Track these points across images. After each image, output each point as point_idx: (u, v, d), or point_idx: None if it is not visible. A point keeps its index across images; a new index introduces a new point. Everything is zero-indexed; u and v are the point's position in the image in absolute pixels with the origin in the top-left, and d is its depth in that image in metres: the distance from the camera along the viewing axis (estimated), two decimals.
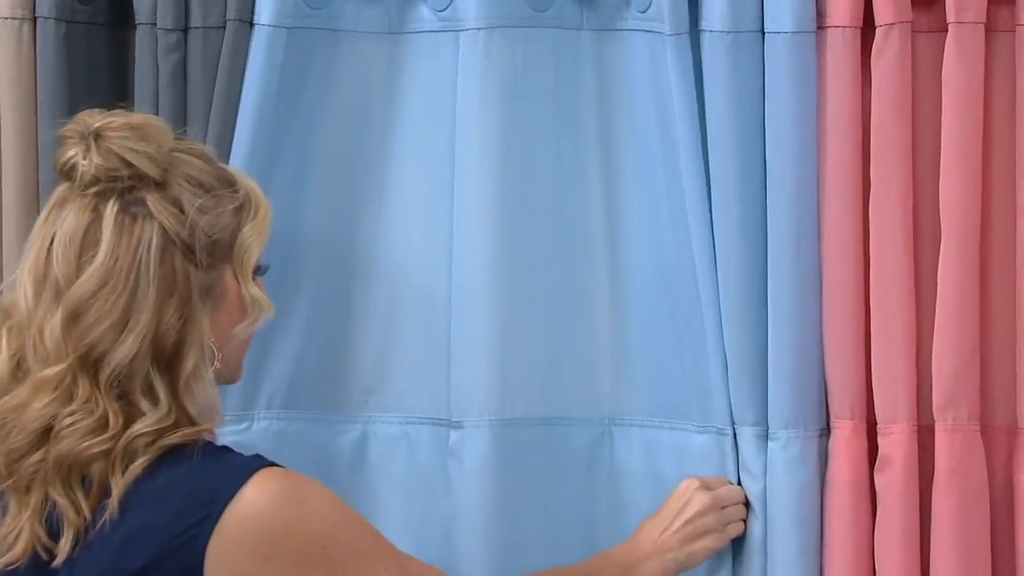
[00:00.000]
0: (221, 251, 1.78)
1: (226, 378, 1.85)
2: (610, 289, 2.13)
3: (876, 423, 2.05)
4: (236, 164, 2.03)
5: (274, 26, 2.07)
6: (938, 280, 2.02)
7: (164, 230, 1.74)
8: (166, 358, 1.73)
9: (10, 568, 1.73)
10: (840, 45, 2.03)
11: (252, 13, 2.08)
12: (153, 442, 1.71)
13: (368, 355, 2.17)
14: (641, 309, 2.10)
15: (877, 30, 2.02)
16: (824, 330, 2.06)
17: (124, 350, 1.71)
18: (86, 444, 1.71)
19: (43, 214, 1.78)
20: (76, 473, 1.71)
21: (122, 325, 1.72)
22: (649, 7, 2.06)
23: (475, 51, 2.07)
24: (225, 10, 2.08)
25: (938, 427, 2.03)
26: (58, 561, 1.71)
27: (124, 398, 1.73)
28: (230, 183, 1.81)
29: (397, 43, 2.14)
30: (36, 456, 1.72)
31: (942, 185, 2.02)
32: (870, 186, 2.04)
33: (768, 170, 2.05)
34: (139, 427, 1.71)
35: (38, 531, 1.72)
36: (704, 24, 2.04)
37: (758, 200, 2.05)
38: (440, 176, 2.13)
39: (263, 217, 1.82)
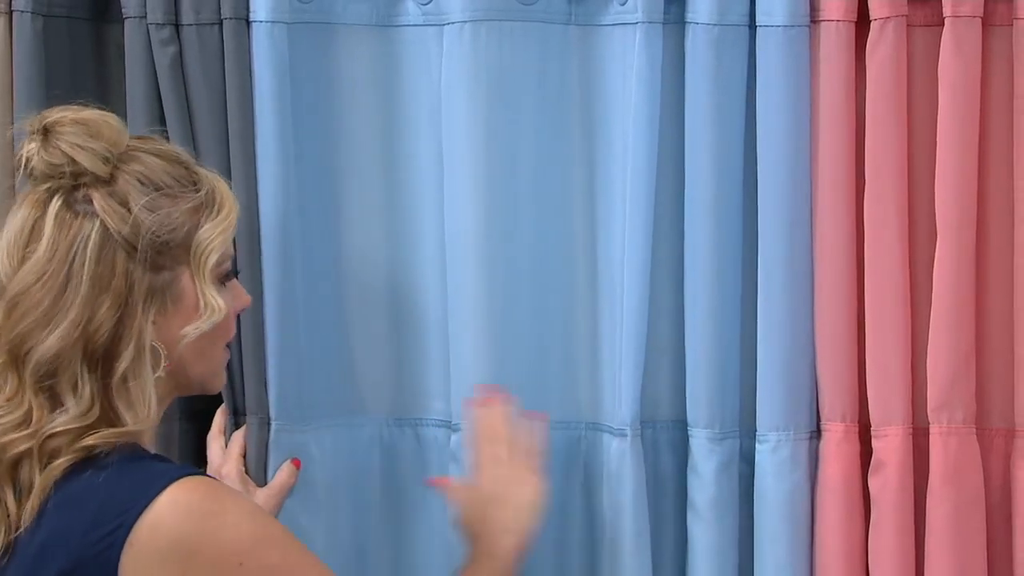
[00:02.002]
0: (176, 252, 1.76)
1: (197, 385, 1.83)
2: (590, 291, 2.12)
3: (867, 425, 2.04)
4: (266, 167, 2.06)
5: (272, 22, 2.07)
6: (933, 279, 2.01)
7: (105, 228, 1.72)
8: (98, 356, 1.72)
9: None
10: (834, 39, 2.02)
11: (246, 10, 2.08)
12: (74, 442, 1.70)
13: (367, 357, 2.16)
14: (621, 311, 2.08)
15: (872, 24, 2.01)
16: (816, 331, 2.05)
17: (49, 344, 1.70)
18: (9, 439, 1.70)
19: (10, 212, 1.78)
20: (5, 472, 1.70)
21: (48, 320, 1.71)
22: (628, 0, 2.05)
23: (460, 45, 2.06)
24: (218, 6, 2.07)
25: (933, 430, 2.01)
26: None
27: (50, 393, 1.72)
28: (191, 183, 1.79)
29: (384, 37, 2.13)
30: None
31: (938, 183, 2.00)
32: (864, 184, 2.02)
33: (760, 167, 2.04)
34: (57, 423, 1.70)
35: None
36: (689, 16, 2.03)
37: (734, 198, 2.05)
38: (428, 172, 2.13)
39: (224, 218, 1.79)
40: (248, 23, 2.07)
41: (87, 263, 1.71)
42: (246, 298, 1.90)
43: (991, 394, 2.04)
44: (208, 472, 2.08)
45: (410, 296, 2.15)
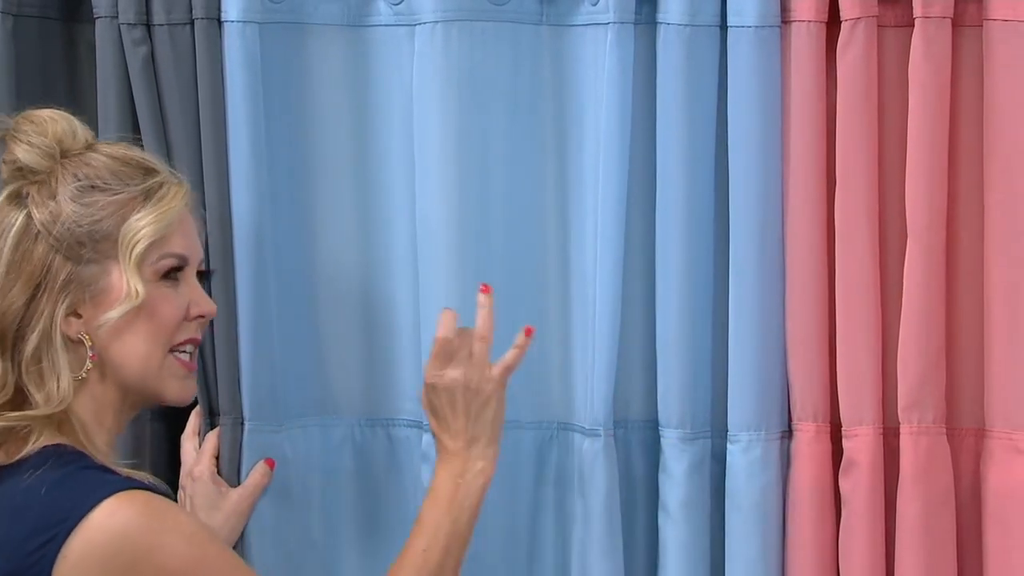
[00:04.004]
0: (103, 245, 1.78)
1: (147, 391, 1.83)
2: (562, 292, 2.12)
3: (839, 425, 2.04)
4: (238, 167, 2.05)
5: (244, 22, 2.07)
6: (904, 279, 2.01)
7: (29, 217, 1.77)
8: (8, 338, 1.76)
9: None
10: (805, 40, 2.02)
11: (218, 10, 2.07)
12: None
13: (339, 358, 2.16)
14: (593, 312, 2.08)
15: (843, 25, 2.01)
16: (787, 331, 2.05)
17: None
18: None
19: None
20: None
21: None
22: (599, 0, 2.05)
23: (431, 45, 2.06)
24: (190, 6, 2.07)
25: (903, 429, 2.02)
26: None
27: None
28: (132, 179, 1.81)
29: (356, 37, 2.13)
30: None
31: (908, 183, 2.00)
32: (835, 184, 2.02)
33: (731, 167, 2.05)
34: None
35: None
36: (660, 16, 2.04)
37: (706, 198, 2.05)
38: (400, 173, 2.13)
39: (156, 209, 1.81)
40: (220, 23, 2.07)
41: (4, 249, 1.77)
42: (207, 304, 1.88)
43: (961, 394, 2.05)
44: (181, 473, 2.08)
45: (382, 296, 2.15)
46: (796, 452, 2.04)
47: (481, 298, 1.96)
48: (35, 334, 1.76)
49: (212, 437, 2.09)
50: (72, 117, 1.84)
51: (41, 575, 1.64)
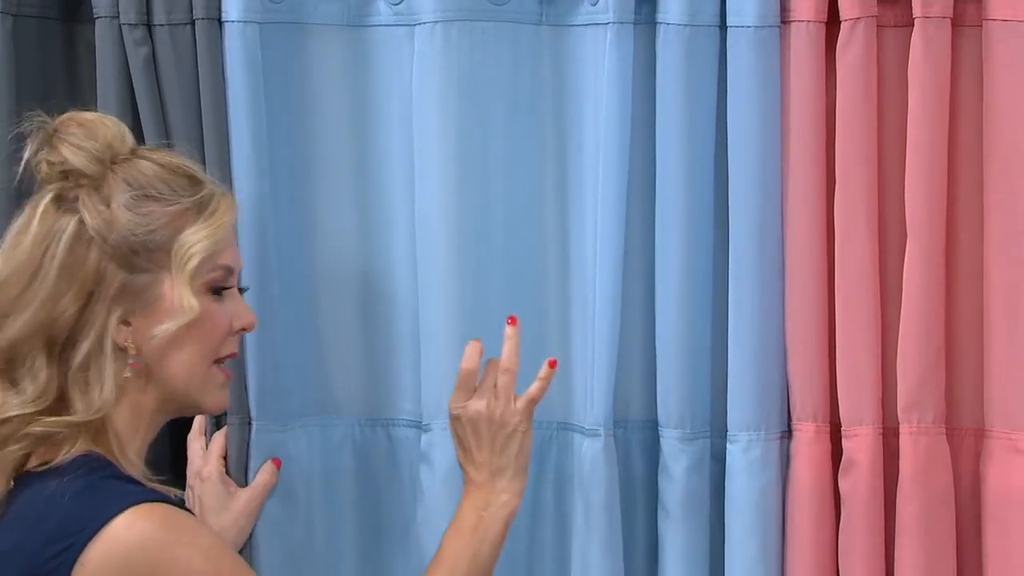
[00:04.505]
0: (156, 255, 1.77)
1: (189, 402, 1.82)
2: (562, 292, 2.12)
3: (839, 425, 2.04)
4: (240, 167, 2.06)
5: (245, 22, 2.07)
6: (903, 279, 2.01)
7: (82, 222, 1.75)
8: (58, 345, 1.74)
9: None
10: (804, 40, 2.02)
11: (218, 10, 2.07)
12: (22, 427, 1.71)
13: (340, 358, 2.16)
14: (593, 312, 2.08)
15: (842, 25, 2.01)
16: (787, 331, 2.05)
17: (13, 330, 1.73)
18: None
19: None
20: None
21: (16, 306, 1.74)
22: (599, 0, 2.05)
23: (431, 45, 2.07)
24: (190, 6, 2.07)
25: (903, 429, 2.02)
26: None
27: (10, 379, 1.74)
28: (186, 189, 1.80)
29: (356, 37, 2.13)
30: None
31: (908, 183, 2.00)
32: (835, 184, 2.02)
33: (731, 167, 2.05)
34: (10, 406, 1.72)
35: None
36: (660, 16, 2.04)
37: (705, 198, 2.05)
38: (400, 173, 2.13)
39: (211, 224, 1.79)
40: (220, 23, 2.07)
41: (58, 254, 1.74)
42: (249, 317, 1.87)
43: (961, 394, 2.04)
44: (189, 473, 2.08)
45: (382, 296, 2.15)
46: (796, 452, 2.04)
47: (508, 330, 1.96)
48: (87, 342, 1.74)
49: (219, 437, 2.09)
50: (120, 121, 1.83)
51: None
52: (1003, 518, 1.99)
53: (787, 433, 2.06)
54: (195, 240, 1.78)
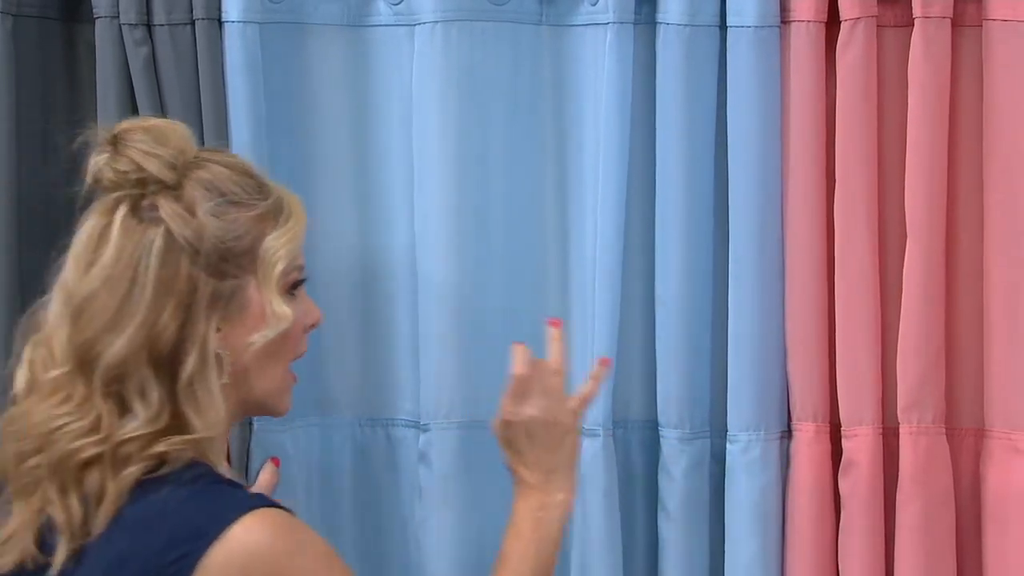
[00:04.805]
0: (242, 260, 1.74)
1: (261, 405, 1.81)
2: (561, 292, 2.12)
3: (839, 425, 2.03)
4: None
5: (245, 22, 2.07)
6: (903, 279, 2.01)
7: (170, 233, 1.71)
8: (164, 361, 1.70)
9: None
10: (804, 40, 2.02)
11: (218, 10, 2.07)
12: (145, 448, 1.68)
13: (340, 358, 2.16)
14: (592, 311, 2.08)
15: (842, 25, 2.01)
16: (787, 331, 2.05)
17: (116, 349, 1.69)
18: (78, 445, 1.68)
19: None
20: (71, 477, 1.68)
21: (115, 324, 1.69)
22: (599, 0, 2.05)
23: (431, 45, 2.07)
24: (190, 6, 2.07)
25: (903, 429, 2.02)
26: (52, 572, 1.67)
27: (118, 399, 1.70)
28: (258, 192, 1.78)
29: (356, 37, 2.13)
30: (35, 460, 1.70)
31: (908, 183, 2.00)
32: (835, 184, 2.02)
33: (730, 167, 2.05)
34: (128, 429, 1.68)
35: (28, 540, 1.69)
36: (660, 16, 2.04)
37: (705, 198, 2.05)
38: (400, 173, 2.13)
39: (291, 227, 1.78)
40: (220, 23, 2.07)
41: (151, 267, 1.70)
42: (317, 313, 1.87)
43: (961, 394, 2.04)
44: None
45: (381, 295, 2.15)
46: (795, 452, 2.04)
47: (552, 332, 1.94)
48: (192, 357, 1.70)
49: None
50: (185, 125, 1.80)
51: None
52: (1003, 518, 1.99)
53: (787, 433, 2.06)
54: (278, 245, 1.76)
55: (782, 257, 2.04)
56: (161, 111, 2.07)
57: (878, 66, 2.01)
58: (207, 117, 2.07)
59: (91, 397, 1.69)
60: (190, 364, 1.70)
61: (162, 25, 2.06)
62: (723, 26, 2.04)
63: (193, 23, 2.07)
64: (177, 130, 1.77)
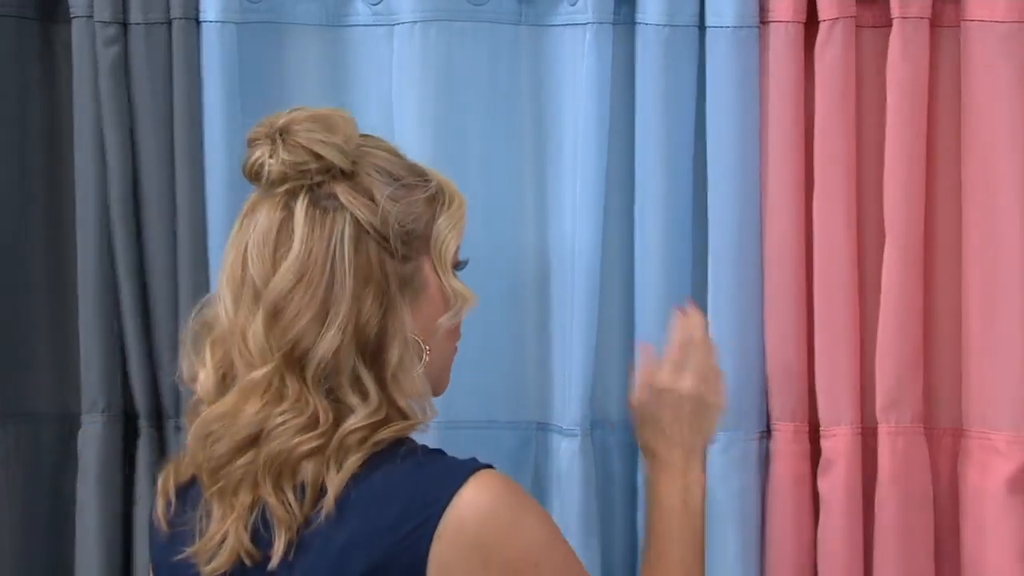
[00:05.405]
0: (417, 242, 1.74)
1: (432, 384, 1.78)
2: (540, 292, 2.12)
3: (817, 425, 2.04)
4: (213, 168, 2.06)
5: (222, 22, 2.07)
6: (882, 279, 2.01)
7: (356, 220, 1.69)
8: (370, 350, 1.69)
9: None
10: (783, 40, 2.03)
11: (196, 10, 2.07)
12: (366, 438, 1.67)
13: None
14: (571, 312, 2.08)
15: (821, 25, 2.01)
16: (766, 331, 2.05)
17: (327, 343, 1.67)
18: (297, 442, 1.67)
19: (235, 225, 1.75)
20: (287, 473, 1.67)
21: (322, 317, 1.68)
22: (578, 0, 2.05)
23: (410, 45, 2.07)
24: (167, 6, 2.06)
25: (881, 429, 2.02)
26: (273, 564, 1.66)
27: (332, 394, 1.69)
28: (420, 174, 1.77)
29: (335, 37, 2.13)
30: (244, 458, 1.68)
31: (886, 183, 2.01)
32: (814, 184, 2.02)
33: (709, 167, 2.05)
34: (352, 422, 1.67)
35: (243, 537, 1.68)
36: (639, 16, 2.04)
37: (684, 198, 2.06)
38: None
39: (458, 208, 1.77)
40: (198, 23, 2.07)
41: (347, 256, 1.69)
42: (475, 296, 1.83)
43: (939, 394, 2.05)
44: None
45: None
46: (774, 452, 2.05)
47: (692, 310, 1.92)
48: (396, 343, 1.69)
49: None
50: (346, 110, 1.78)
51: (416, 557, 1.63)
52: (981, 517, 2.00)
53: (766, 433, 2.06)
54: (448, 227, 1.75)
55: (761, 257, 2.04)
56: (129, 111, 2.06)
57: (857, 66, 2.02)
58: (179, 117, 2.06)
59: (304, 393, 1.68)
60: (395, 351, 1.69)
61: (139, 24, 2.06)
62: (702, 26, 2.04)
63: (170, 23, 2.06)
64: (344, 116, 1.75)
